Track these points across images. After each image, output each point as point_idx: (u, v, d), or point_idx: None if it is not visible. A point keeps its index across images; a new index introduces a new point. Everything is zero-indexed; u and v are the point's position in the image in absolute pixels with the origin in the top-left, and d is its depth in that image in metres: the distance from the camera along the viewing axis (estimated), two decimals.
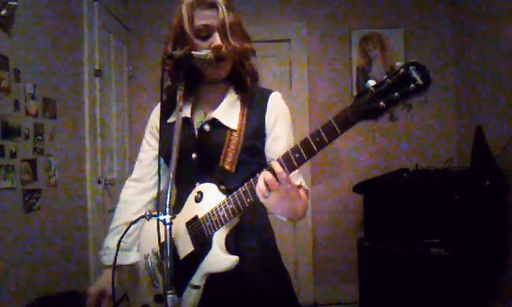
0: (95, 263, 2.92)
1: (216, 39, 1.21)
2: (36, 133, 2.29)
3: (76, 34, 2.81)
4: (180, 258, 1.24)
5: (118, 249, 1.16)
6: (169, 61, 1.15)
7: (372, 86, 0.92)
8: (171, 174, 1.05)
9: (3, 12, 2.01)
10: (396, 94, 0.89)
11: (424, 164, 3.22)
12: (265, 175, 1.01)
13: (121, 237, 1.17)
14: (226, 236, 1.19)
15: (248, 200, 1.10)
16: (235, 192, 1.13)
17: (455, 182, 2.79)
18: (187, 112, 1.31)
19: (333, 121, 0.96)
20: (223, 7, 1.21)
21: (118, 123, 3.40)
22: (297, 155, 1.01)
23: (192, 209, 1.24)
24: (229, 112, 1.28)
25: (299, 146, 1.00)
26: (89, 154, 2.89)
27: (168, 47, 1.27)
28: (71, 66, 2.74)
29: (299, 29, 3.67)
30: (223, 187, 1.21)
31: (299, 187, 1.24)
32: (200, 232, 1.20)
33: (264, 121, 1.28)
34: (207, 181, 1.24)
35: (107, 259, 1.35)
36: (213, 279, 1.19)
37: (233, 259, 1.15)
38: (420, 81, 0.87)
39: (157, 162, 1.36)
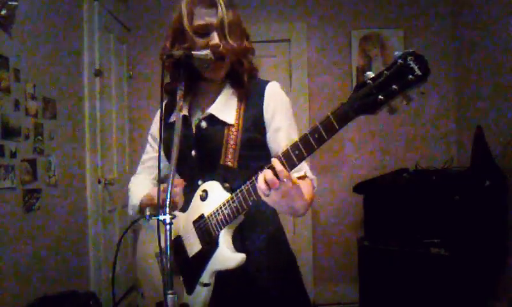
0: (95, 263, 2.92)
1: (214, 38, 1.21)
2: (36, 133, 2.29)
3: (76, 34, 2.81)
4: (189, 256, 1.25)
5: (118, 247, 1.16)
6: (169, 60, 1.15)
7: (370, 79, 0.90)
8: (171, 173, 1.05)
9: (3, 12, 2.01)
10: (394, 86, 0.86)
11: (424, 164, 3.21)
12: (265, 174, 1.00)
13: (122, 237, 1.17)
14: (233, 233, 1.20)
15: (252, 198, 1.10)
16: (238, 191, 1.13)
17: (455, 182, 2.78)
18: (184, 110, 1.31)
19: (331, 116, 0.94)
20: (223, 6, 1.21)
21: (118, 123, 3.40)
22: (296, 152, 0.99)
23: (198, 207, 1.24)
24: (226, 107, 1.28)
25: (299, 143, 0.99)
26: (89, 154, 2.89)
27: (167, 43, 1.27)
28: (71, 66, 2.74)
29: (299, 29, 3.67)
30: (227, 185, 1.21)
31: (304, 177, 1.23)
32: (206, 230, 1.21)
33: (262, 113, 1.27)
34: (209, 179, 1.24)
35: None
36: (222, 276, 1.20)
37: (240, 257, 1.15)
38: (418, 72, 0.84)
39: (162, 165, 1.36)
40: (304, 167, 1.25)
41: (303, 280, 1.39)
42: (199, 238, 1.23)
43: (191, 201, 1.29)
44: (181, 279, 1.26)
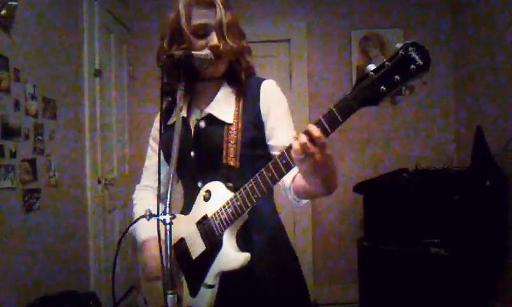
0: (95, 263, 2.92)
1: (213, 39, 1.21)
2: (36, 133, 2.29)
3: (76, 34, 2.81)
4: (193, 258, 1.24)
5: (118, 247, 1.16)
6: (169, 60, 1.15)
7: (372, 70, 0.90)
8: (171, 174, 1.05)
9: (3, 12, 2.01)
10: (396, 77, 0.87)
11: (424, 164, 3.21)
12: (301, 138, 0.95)
13: (122, 237, 1.17)
14: (237, 233, 1.19)
15: (255, 196, 1.09)
16: (241, 189, 1.12)
17: (455, 182, 2.78)
18: (183, 111, 1.30)
19: (334, 109, 0.93)
20: (221, 6, 1.21)
21: (118, 123, 3.40)
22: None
23: (201, 208, 1.23)
24: (224, 106, 1.27)
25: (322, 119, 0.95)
26: (89, 154, 2.89)
27: (164, 43, 1.27)
28: (71, 66, 2.74)
29: (299, 29, 3.67)
30: (230, 184, 1.20)
31: None
32: (210, 231, 1.20)
33: (259, 110, 1.27)
34: (211, 180, 1.24)
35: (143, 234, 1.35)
36: (225, 278, 1.19)
37: (244, 256, 1.14)
38: (420, 61, 0.85)
39: (163, 167, 1.35)
40: None
41: (304, 279, 1.39)
42: (202, 239, 1.22)
43: (192, 204, 1.28)
44: (184, 281, 1.25)
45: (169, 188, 1.01)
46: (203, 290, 1.20)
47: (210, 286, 1.18)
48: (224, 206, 1.16)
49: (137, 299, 1.45)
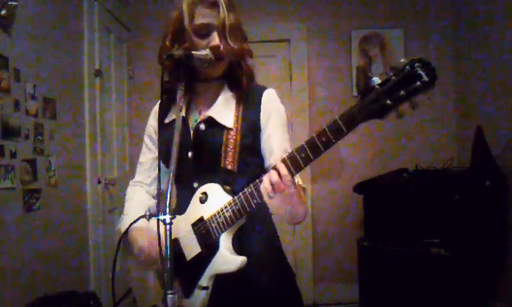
0: (95, 263, 2.92)
1: (215, 39, 1.21)
2: (36, 133, 2.29)
3: (76, 34, 2.81)
4: (187, 259, 1.24)
5: (118, 247, 1.16)
6: (169, 60, 1.15)
7: (378, 84, 0.90)
8: (171, 174, 1.04)
9: (3, 12, 2.01)
10: (402, 92, 0.87)
11: (424, 164, 3.21)
12: (271, 176, 1.00)
13: (122, 237, 1.17)
14: (233, 236, 1.19)
15: (255, 201, 1.10)
16: (241, 193, 1.12)
17: (455, 182, 2.78)
18: (182, 111, 1.30)
19: (339, 120, 0.94)
20: (224, 7, 1.21)
21: (118, 123, 3.40)
22: (303, 155, 0.99)
23: (197, 210, 1.23)
24: (224, 110, 1.28)
25: (305, 146, 0.99)
26: (89, 154, 2.89)
27: (166, 42, 1.27)
28: (71, 66, 2.74)
29: (299, 29, 3.67)
30: (228, 188, 1.20)
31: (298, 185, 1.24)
32: (206, 233, 1.19)
33: (259, 119, 1.27)
34: (208, 182, 1.23)
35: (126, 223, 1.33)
36: (220, 279, 1.19)
37: (241, 260, 1.15)
38: (426, 78, 0.86)
39: (156, 164, 1.35)
40: (296, 176, 1.26)
41: (303, 280, 1.39)
42: (198, 241, 1.22)
43: (187, 204, 1.27)
44: (178, 282, 1.25)
45: (169, 188, 1.01)
46: (197, 291, 1.20)
47: (205, 288, 1.19)
48: (222, 210, 1.16)
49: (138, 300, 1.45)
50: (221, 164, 1.24)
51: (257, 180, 1.08)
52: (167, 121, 1.34)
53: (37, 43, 2.34)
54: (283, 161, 1.01)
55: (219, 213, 1.17)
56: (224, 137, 1.24)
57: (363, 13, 3.67)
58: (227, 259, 1.16)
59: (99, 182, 2.99)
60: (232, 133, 1.24)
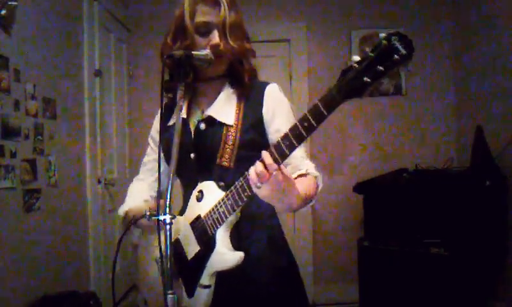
0: (95, 263, 2.92)
1: (215, 37, 1.21)
2: (36, 133, 2.29)
3: (76, 34, 2.81)
4: (188, 258, 1.24)
5: (118, 247, 1.16)
6: (170, 60, 1.15)
7: (356, 62, 0.90)
8: (171, 174, 1.04)
9: (3, 12, 2.01)
10: (380, 67, 0.86)
11: (424, 164, 3.21)
12: (256, 166, 1.00)
13: (122, 237, 1.17)
14: (230, 232, 1.18)
15: (246, 193, 1.08)
16: (232, 187, 1.12)
17: (455, 182, 2.78)
18: (183, 112, 1.30)
19: (319, 103, 0.93)
20: (226, 6, 1.21)
21: (118, 123, 3.40)
22: (287, 143, 0.98)
23: (194, 209, 1.24)
24: (225, 108, 1.27)
25: (289, 133, 0.98)
26: (89, 154, 2.89)
27: (168, 39, 1.27)
28: (71, 66, 2.74)
29: (299, 29, 3.67)
30: (222, 184, 1.20)
31: (306, 174, 1.22)
32: (203, 231, 1.20)
33: (262, 114, 1.27)
34: (206, 180, 1.24)
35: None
36: (222, 278, 1.19)
37: (238, 255, 1.14)
38: (403, 51, 0.84)
39: (162, 166, 1.35)
40: (306, 165, 1.25)
41: (303, 280, 1.39)
42: (196, 239, 1.22)
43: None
44: (181, 282, 1.25)
45: (169, 189, 1.01)
46: (199, 290, 1.20)
47: (206, 287, 1.18)
48: (216, 206, 1.16)
49: (137, 299, 1.45)
50: (217, 161, 1.24)
51: (246, 173, 1.07)
52: (170, 123, 1.34)
53: (37, 43, 2.34)
54: (268, 150, 1.00)
55: (213, 210, 1.17)
56: (223, 134, 1.24)
57: (363, 13, 3.67)
58: (224, 255, 1.16)
59: (99, 182, 2.99)
60: (232, 130, 1.24)
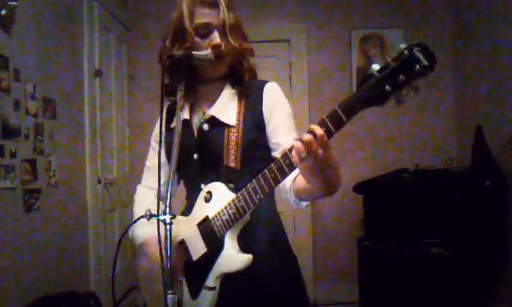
0: (95, 263, 2.92)
1: (216, 38, 1.21)
2: (36, 133, 2.29)
3: (76, 34, 2.81)
4: (194, 259, 1.23)
5: (118, 247, 1.15)
6: (170, 60, 1.15)
7: (377, 70, 0.89)
8: (171, 174, 1.04)
9: (3, 12, 2.01)
10: (401, 76, 0.85)
11: (424, 164, 3.21)
12: (304, 136, 0.94)
13: (122, 237, 1.17)
14: (238, 234, 1.18)
15: (258, 196, 1.08)
16: (244, 189, 1.11)
17: (455, 182, 2.79)
18: (185, 113, 1.30)
19: (338, 109, 0.91)
20: (224, 6, 1.21)
21: (118, 123, 3.40)
22: (324, 128, 0.93)
23: (202, 209, 1.22)
24: (226, 108, 1.27)
25: (325, 118, 0.93)
26: (89, 154, 2.89)
27: (167, 42, 1.27)
28: (71, 66, 2.74)
29: (299, 29, 3.67)
30: (232, 186, 1.20)
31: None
32: (211, 232, 1.19)
33: (262, 112, 1.27)
34: (213, 181, 1.23)
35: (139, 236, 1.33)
36: (227, 280, 1.18)
37: (247, 258, 1.13)
38: (425, 62, 0.83)
39: (164, 168, 1.34)
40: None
41: (303, 280, 1.39)
42: (204, 240, 1.21)
43: (194, 205, 1.27)
44: (185, 284, 1.24)
45: (169, 189, 1.01)
46: (204, 292, 1.19)
47: (212, 288, 1.17)
48: (226, 207, 1.15)
49: (137, 299, 1.45)
50: (224, 163, 1.23)
51: (259, 175, 1.07)
52: (172, 125, 1.33)
53: (37, 43, 2.34)
54: (321, 122, 0.94)
55: (223, 211, 1.16)
56: (226, 135, 1.24)
57: (363, 13, 3.67)
58: (232, 257, 1.15)
59: (99, 182, 2.99)
60: (234, 130, 1.24)
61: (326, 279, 3.63)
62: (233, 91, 1.30)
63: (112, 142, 3.29)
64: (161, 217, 0.99)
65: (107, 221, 3.10)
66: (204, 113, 1.31)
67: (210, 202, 1.21)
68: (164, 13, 3.45)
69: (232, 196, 1.15)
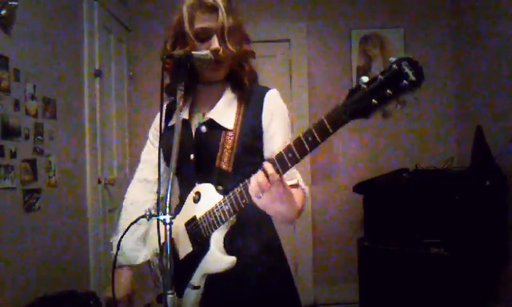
0: (95, 263, 2.92)
1: (215, 43, 1.22)
2: (36, 133, 2.29)
3: (76, 34, 2.81)
4: (180, 258, 1.24)
5: (118, 249, 1.16)
6: (170, 60, 1.15)
7: (365, 83, 0.89)
8: (171, 174, 1.05)
9: (3, 12, 2.01)
10: (388, 91, 0.85)
11: (424, 164, 3.21)
12: (258, 176, 1.01)
13: (122, 237, 1.17)
14: (224, 236, 1.19)
15: (243, 201, 1.10)
16: (231, 193, 1.13)
17: (455, 182, 2.79)
18: (185, 113, 1.31)
19: (325, 120, 0.93)
20: (223, 11, 1.21)
21: (118, 123, 3.40)
22: (290, 155, 0.98)
23: (190, 209, 1.24)
24: (225, 111, 1.28)
25: (292, 146, 0.98)
26: (89, 154, 2.89)
27: (167, 46, 1.28)
28: (71, 66, 2.74)
29: (299, 29, 3.67)
30: (220, 188, 1.22)
31: (296, 185, 1.24)
32: (198, 232, 1.21)
33: (261, 120, 1.28)
34: (205, 182, 1.24)
35: (124, 260, 1.37)
36: (212, 279, 1.19)
37: (231, 260, 1.15)
38: (412, 77, 0.83)
39: (162, 162, 1.35)
40: (296, 176, 1.26)
41: (303, 280, 1.39)
42: (190, 240, 1.23)
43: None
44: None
45: (169, 188, 1.02)
46: (188, 290, 1.21)
47: (196, 287, 1.19)
48: (213, 209, 1.17)
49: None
50: (216, 165, 1.24)
51: (246, 180, 1.08)
52: (171, 124, 1.35)
53: (37, 43, 2.34)
54: (271, 161, 1.00)
55: (210, 212, 1.17)
56: (222, 138, 1.25)
57: (363, 13, 3.67)
58: (217, 258, 1.17)
59: (99, 182, 2.99)
60: (230, 134, 1.25)
61: (326, 279, 3.63)
62: (233, 95, 1.31)
63: (112, 142, 3.29)
64: (161, 217, 0.99)
65: (107, 221, 3.10)
66: (204, 115, 1.31)
67: (199, 203, 1.23)
68: (164, 13, 3.46)
69: (219, 198, 1.17)
